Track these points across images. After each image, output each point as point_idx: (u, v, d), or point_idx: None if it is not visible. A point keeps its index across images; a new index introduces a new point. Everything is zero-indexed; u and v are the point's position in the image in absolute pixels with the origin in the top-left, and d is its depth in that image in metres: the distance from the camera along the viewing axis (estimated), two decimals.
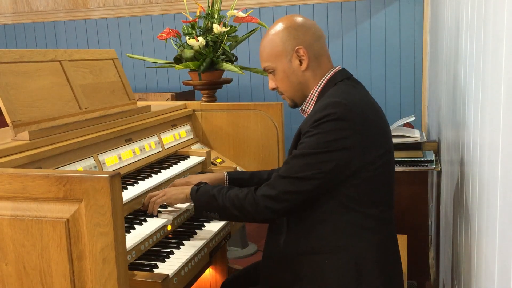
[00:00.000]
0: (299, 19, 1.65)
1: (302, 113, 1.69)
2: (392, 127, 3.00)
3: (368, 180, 1.50)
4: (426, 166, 2.68)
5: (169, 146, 2.38)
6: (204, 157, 2.39)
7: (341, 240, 1.51)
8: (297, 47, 1.60)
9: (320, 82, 1.63)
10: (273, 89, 1.69)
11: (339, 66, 1.67)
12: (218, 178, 1.93)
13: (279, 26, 1.63)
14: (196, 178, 1.91)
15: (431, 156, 2.76)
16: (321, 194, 1.51)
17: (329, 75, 1.63)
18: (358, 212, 1.51)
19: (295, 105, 1.70)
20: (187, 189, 1.72)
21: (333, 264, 1.51)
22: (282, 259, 1.58)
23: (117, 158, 1.99)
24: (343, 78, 1.62)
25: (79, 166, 1.80)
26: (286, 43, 1.61)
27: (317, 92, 1.63)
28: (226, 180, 1.93)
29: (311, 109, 1.64)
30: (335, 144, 1.46)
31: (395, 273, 1.61)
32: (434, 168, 2.67)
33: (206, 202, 1.64)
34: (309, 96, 1.65)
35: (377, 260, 1.52)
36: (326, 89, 1.61)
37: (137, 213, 1.82)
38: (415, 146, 2.82)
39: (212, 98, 3.41)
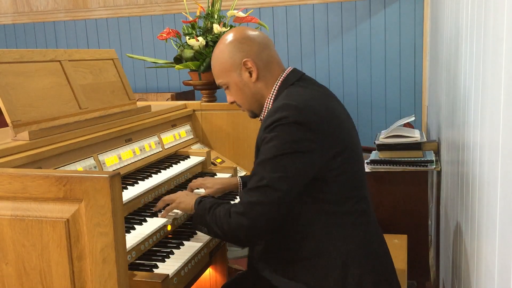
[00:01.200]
0: (243, 31, 1.67)
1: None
2: (392, 127, 3.00)
3: (334, 178, 1.49)
4: (426, 166, 2.68)
5: (169, 146, 2.38)
6: (204, 157, 2.39)
7: (321, 243, 1.50)
8: (244, 60, 1.62)
9: (273, 90, 1.64)
10: (232, 103, 1.72)
11: (289, 68, 1.67)
12: (232, 183, 1.96)
13: (224, 42, 1.66)
14: (211, 181, 1.94)
15: (431, 156, 2.76)
16: (296, 200, 1.48)
17: (279, 81, 1.64)
18: (330, 212, 1.50)
19: (255, 115, 1.72)
20: (194, 200, 1.71)
21: (318, 267, 1.50)
22: (265, 270, 1.58)
23: (117, 158, 1.99)
24: (294, 80, 1.63)
25: (79, 166, 1.80)
26: (234, 57, 1.63)
27: (271, 100, 1.64)
28: (240, 185, 1.95)
29: None
30: (293, 146, 1.44)
31: (384, 263, 1.59)
32: (434, 168, 2.67)
33: (200, 215, 1.63)
34: (265, 105, 1.66)
35: (361, 254, 1.52)
36: (279, 94, 1.61)
37: (137, 213, 1.82)
38: (415, 146, 2.82)
39: (212, 98, 3.41)
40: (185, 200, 1.75)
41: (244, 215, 1.46)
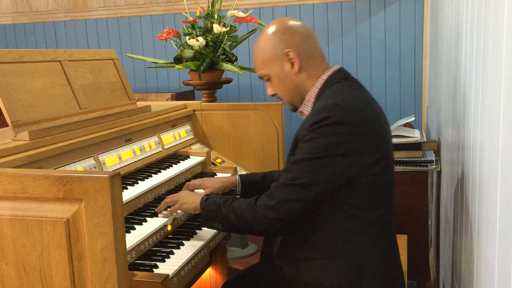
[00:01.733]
0: (286, 22, 1.63)
1: (300, 115, 1.66)
2: (392, 127, 3.00)
3: (367, 184, 1.47)
4: (426, 166, 2.68)
5: (169, 146, 2.38)
6: (204, 157, 2.39)
7: (340, 246, 1.49)
8: (286, 50, 1.58)
9: (318, 83, 1.60)
10: (272, 95, 1.68)
11: (336, 66, 1.64)
12: (231, 181, 1.94)
13: (267, 32, 1.62)
14: (210, 181, 1.93)
15: (431, 156, 2.76)
16: (325, 200, 1.48)
17: (326, 76, 1.60)
18: (356, 217, 1.49)
19: (295, 109, 1.68)
20: (198, 200, 1.71)
21: (332, 270, 1.50)
22: (279, 265, 1.57)
23: (117, 158, 1.99)
24: (340, 78, 1.59)
25: (79, 166, 1.80)
26: (275, 48, 1.59)
27: (314, 94, 1.60)
28: (239, 183, 1.93)
29: (309, 111, 1.61)
30: (334, 148, 1.43)
31: (396, 275, 1.59)
32: (434, 168, 2.67)
33: (211, 212, 1.62)
34: (306, 97, 1.62)
35: (377, 264, 1.51)
36: (324, 90, 1.58)
37: (137, 213, 1.82)
38: (415, 146, 2.82)
39: (212, 98, 3.41)
40: (188, 200, 1.74)
41: (273, 209, 1.48)
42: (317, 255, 1.51)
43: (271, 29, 1.62)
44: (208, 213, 1.64)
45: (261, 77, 1.67)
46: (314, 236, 1.51)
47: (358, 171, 1.45)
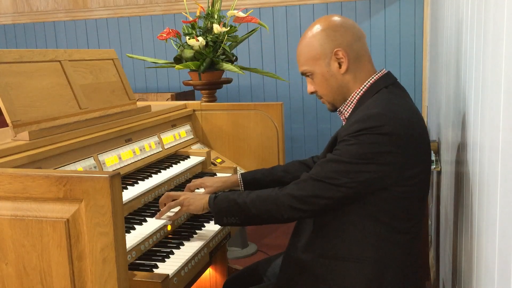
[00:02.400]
0: (337, 19, 1.58)
1: (340, 114, 1.64)
2: None
3: (403, 195, 1.46)
4: None
5: (169, 146, 2.38)
6: (204, 157, 2.40)
7: (367, 251, 1.48)
8: (335, 49, 1.53)
9: (363, 86, 1.56)
10: (312, 93, 1.64)
11: (383, 70, 1.60)
12: (232, 180, 1.93)
13: (316, 28, 1.56)
14: (210, 180, 1.93)
15: (431, 156, 2.76)
16: (352, 202, 1.47)
17: (373, 79, 1.56)
18: (388, 225, 1.47)
19: (335, 109, 1.64)
20: (205, 199, 1.69)
21: (354, 273, 1.49)
22: (302, 258, 1.56)
23: (117, 158, 1.99)
24: (387, 84, 1.55)
25: (79, 166, 1.80)
26: (324, 46, 1.54)
27: (358, 96, 1.56)
28: (241, 181, 1.92)
29: (349, 112, 1.59)
30: (373, 157, 1.41)
31: (417, 285, 1.59)
32: (434, 168, 2.66)
33: (225, 207, 1.61)
34: (349, 99, 1.58)
35: (400, 274, 1.51)
36: (368, 94, 1.54)
37: (137, 213, 1.82)
38: None
39: (212, 98, 3.41)
40: (193, 202, 1.71)
41: (300, 200, 1.49)
42: (343, 255, 1.50)
43: (322, 24, 1.56)
44: (221, 209, 1.61)
45: (303, 74, 1.62)
46: (342, 236, 1.51)
47: (395, 182, 1.44)
